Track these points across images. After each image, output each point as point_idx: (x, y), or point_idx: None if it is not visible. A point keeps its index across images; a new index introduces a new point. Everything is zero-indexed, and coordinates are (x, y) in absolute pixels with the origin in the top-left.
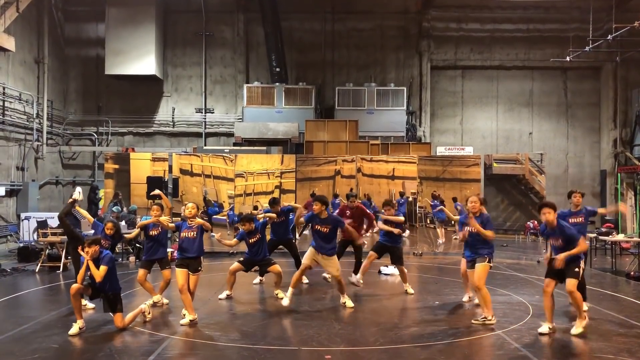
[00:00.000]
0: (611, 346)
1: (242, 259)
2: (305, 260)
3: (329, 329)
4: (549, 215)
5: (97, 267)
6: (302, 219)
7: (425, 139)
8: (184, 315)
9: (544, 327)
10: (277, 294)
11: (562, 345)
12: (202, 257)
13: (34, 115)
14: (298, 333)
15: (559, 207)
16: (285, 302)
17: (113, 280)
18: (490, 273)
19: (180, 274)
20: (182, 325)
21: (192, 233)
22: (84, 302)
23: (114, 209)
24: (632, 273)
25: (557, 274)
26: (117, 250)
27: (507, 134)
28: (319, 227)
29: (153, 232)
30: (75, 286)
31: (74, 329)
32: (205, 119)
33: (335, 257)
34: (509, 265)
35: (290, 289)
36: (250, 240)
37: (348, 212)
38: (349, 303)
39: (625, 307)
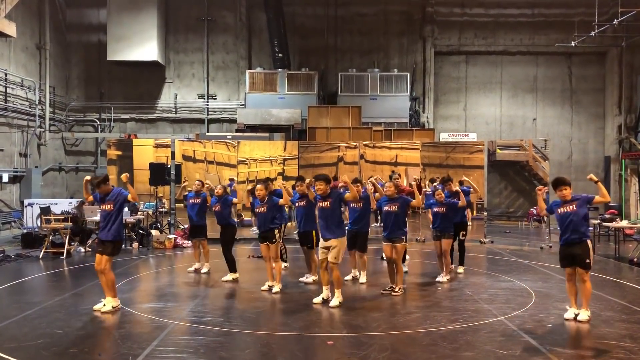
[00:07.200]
0: (614, 332)
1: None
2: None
3: (331, 315)
4: (566, 192)
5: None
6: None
7: (428, 125)
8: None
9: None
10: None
11: (564, 331)
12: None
13: (36, 102)
14: (300, 319)
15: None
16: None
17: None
18: (493, 259)
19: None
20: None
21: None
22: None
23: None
24: (635, 259)
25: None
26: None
27: (511, 120)
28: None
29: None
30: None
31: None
32: (207, 105)
33: (337, 241)
34: (512, 252)
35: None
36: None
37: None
38: (335, 301)
39: (628, 293)
